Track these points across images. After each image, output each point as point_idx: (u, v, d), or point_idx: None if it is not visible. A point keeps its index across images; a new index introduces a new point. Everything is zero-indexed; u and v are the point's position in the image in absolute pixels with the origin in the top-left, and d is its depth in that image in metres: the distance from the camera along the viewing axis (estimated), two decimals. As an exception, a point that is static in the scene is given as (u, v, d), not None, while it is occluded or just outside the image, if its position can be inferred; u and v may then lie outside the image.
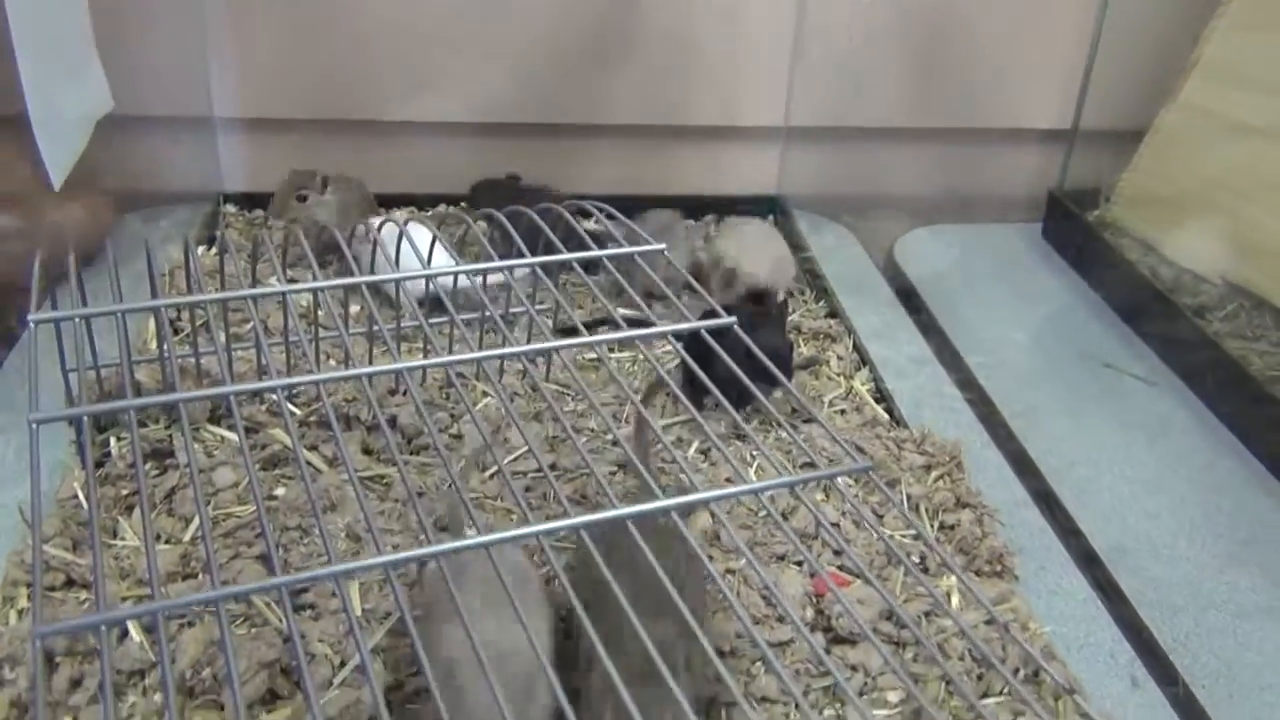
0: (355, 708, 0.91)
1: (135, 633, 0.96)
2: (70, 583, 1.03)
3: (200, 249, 1.71)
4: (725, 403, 0.91)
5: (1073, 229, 2.01)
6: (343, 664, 0.96)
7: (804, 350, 1.54)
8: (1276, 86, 1.74)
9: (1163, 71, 1.94)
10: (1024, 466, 1.40)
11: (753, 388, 0.92)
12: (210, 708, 0.91)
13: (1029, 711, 0.97)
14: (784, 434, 1.32)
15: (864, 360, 1.54)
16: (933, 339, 1.67)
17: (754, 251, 1.64)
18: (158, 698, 0.92)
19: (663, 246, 1.05)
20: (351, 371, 0.86)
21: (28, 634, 0.93)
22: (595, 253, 1.04)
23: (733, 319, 0.97)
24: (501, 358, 0.93)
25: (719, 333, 0.96)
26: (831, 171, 2.08)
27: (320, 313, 1.32)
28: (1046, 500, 1.34)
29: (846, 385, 1.46)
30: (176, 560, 1.05)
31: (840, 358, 1.53)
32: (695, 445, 1.29)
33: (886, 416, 1.41)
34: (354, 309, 1.52)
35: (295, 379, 0.85)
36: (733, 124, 1.99)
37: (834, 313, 1.67)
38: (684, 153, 2.01)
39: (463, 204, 1.88)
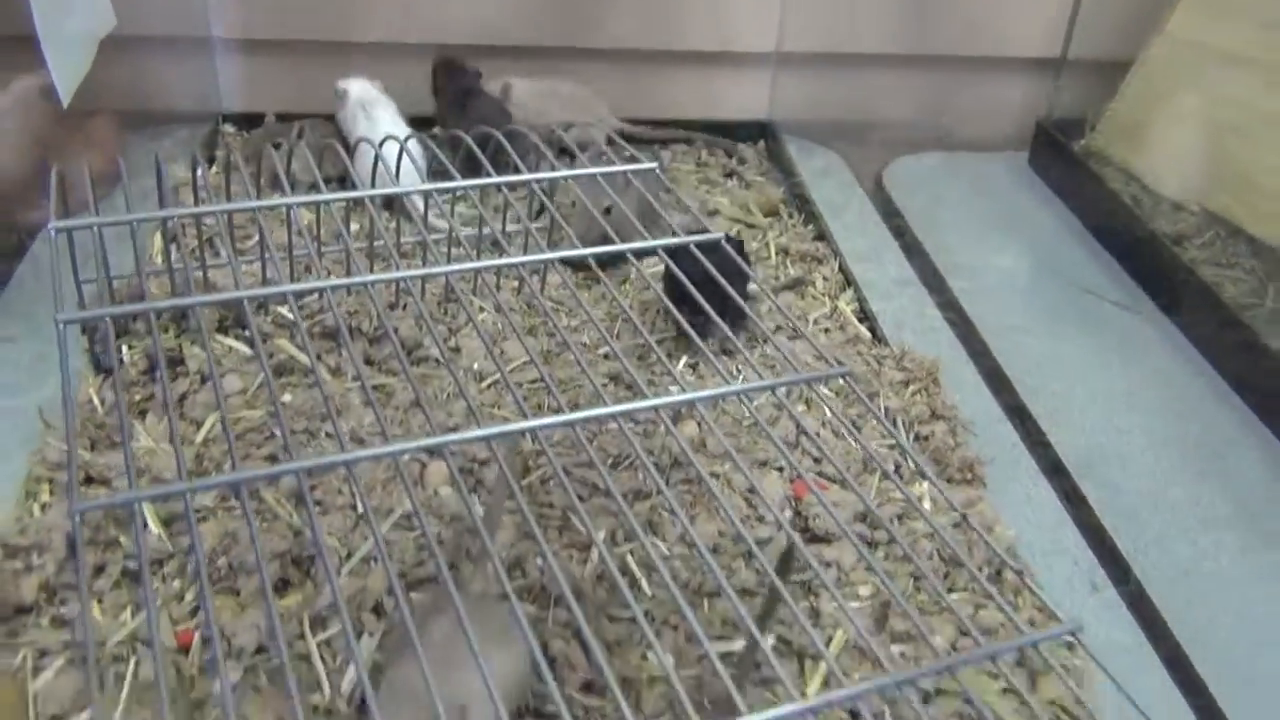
0: (362, 594, 0.97)
1: (154, 525, 1.02)
2: (89, 480, 1.09)
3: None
4: (716, 318, 0.95)
5: (1058, 157, 2.05)
6: (349, 555, 1.02)
7: (791, 271, 1.59)
8: (1261, 18, 1.77)
9: (1152, 1, 1.96)
10: (1000, 384, 1.46)
11: (743, 305, 0.97)
12: (226, 593, 0.98)
13: (990, 605, 1.03)
14: (769, 350, 1.37)
15: (849, 281, 1.58)
16: (917, 262, 1.72)
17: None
18: (176, 584, 0.98)
19: (654, 165, 1.09)
20: (357, 279, 0.91)
21: (53, 525, 0.99)
22: (590, 169, 1.08)
23: (720, 235, 1.01)
24: (500, 267, 0.98)
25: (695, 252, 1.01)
26: (823, 97, 2.11)
27: (322, 230, 1.37)
28: (1020, 415, 1.40)
29: (831, 305, 1.51)
30: (191, 460, 1.11)
31: (826, 279, 1.58)
32: (684, 360, 1.34)
33: (869, 335, 1.47)
34: (354, 226, 1.56)
35: (304, 285, 0.90)
36: (726, 49, 2.02)
37: (821, 235, 1.72)
38: (678, 77, 2.03)
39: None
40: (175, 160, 1.74)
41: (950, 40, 2.09)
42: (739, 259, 1.00)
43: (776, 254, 1.64)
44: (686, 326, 0.93)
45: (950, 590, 1.05)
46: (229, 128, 1.93)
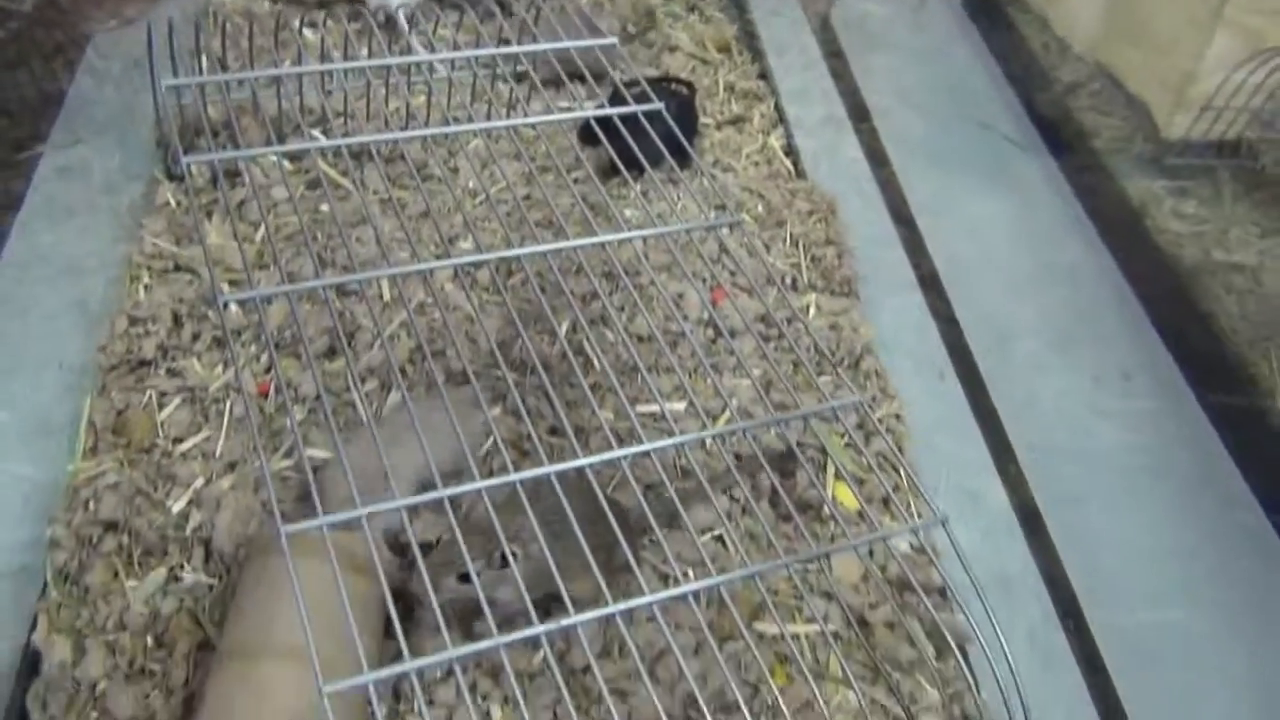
0: (387, 363, 1.33)
1: (234, 305, 1.37)
2: (178, 268, 1.43)
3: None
4: (649, 169, 1.28)
5: (986, 2, 2.32)
6: (379, 333, 1.37)
7: (734, 108, 1.89)
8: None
9: None
10: (898, 212, 1.79)
11: (672, 162, 1.29)
12: (290, 356, 1.34)
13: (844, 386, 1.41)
14: (705, 182, 1.70)
15: (781, 119, 1.89)
16: (848, 100, 2.01)
17: None
18: (252, 348, 1.34)
19: (614, 40, 1.39)
20: (390, 135, 1.23)
21: (160, 302, 1.35)
22: (563, 44, 1.37)
23: (660, 105, 1.32)
24: (490, 130, 1.29)
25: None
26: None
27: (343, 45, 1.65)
28: (907, 239, 1.74)
29: (763, 141, 1.83)
30: (253, 256, 1.45)
31: (763, 115, 1.89)
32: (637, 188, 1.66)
33: (791, 169, 1.79)
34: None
35: (353, 139, 1.22)
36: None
37: (764, 74, 2.00)
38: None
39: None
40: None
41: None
42: (675, 127, 1.31)
43: (724, 90, 1.93)
44: (628, 175, 1.26)
45: (820, 374, 1.43)
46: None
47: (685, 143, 1.29)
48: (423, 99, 1.69)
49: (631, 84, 1.38)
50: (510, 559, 0.91)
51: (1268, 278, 1.63)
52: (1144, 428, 1.56)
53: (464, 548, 0.87)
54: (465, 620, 1.13)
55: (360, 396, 1.05)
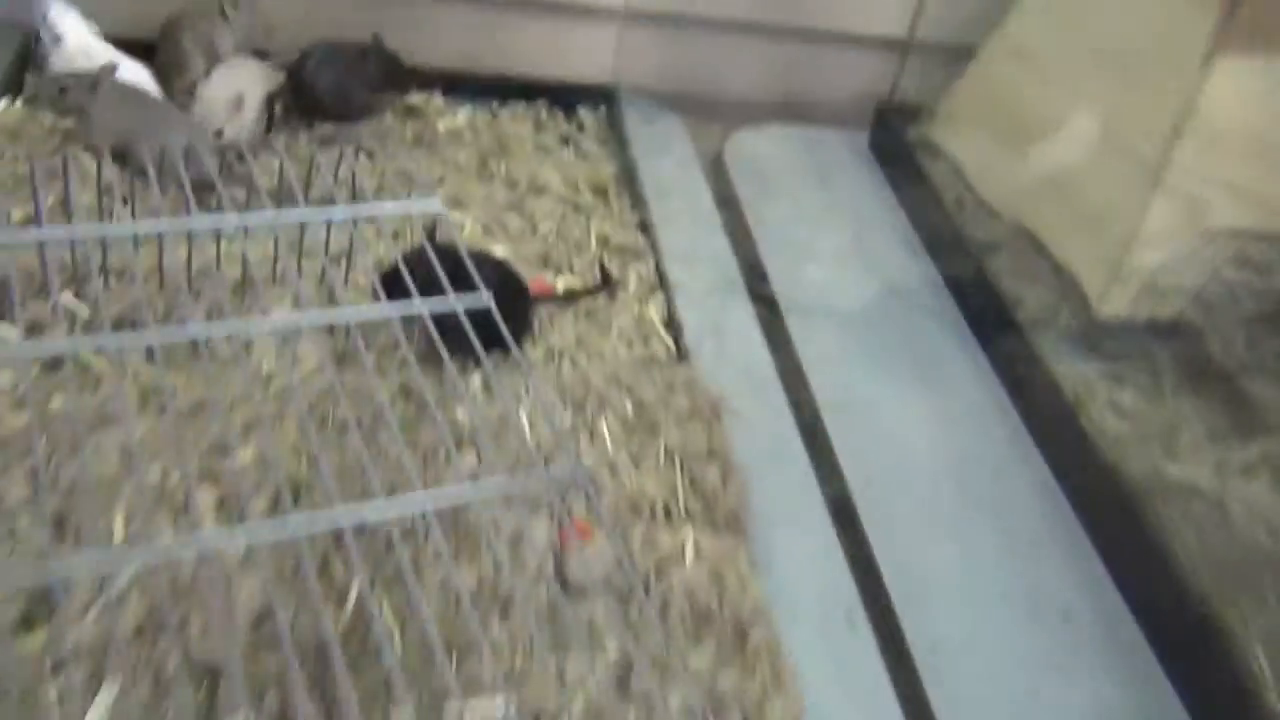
0: (102, 642, 0.97)
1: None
2: None
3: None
4: (485, 360, 0.96)
5: (894, 143, 2.08)
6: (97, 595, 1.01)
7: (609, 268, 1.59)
8: (1089, 41, 1.80)
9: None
10: (799, 404, 1.49)
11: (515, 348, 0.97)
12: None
13: (733, 663, 1.09)
14: (565, 366, 1.38)
15: (662, 283, 1.59)
16: (742, 255, 1.73)
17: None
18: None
19: (437, 201, 1.08)
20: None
21: None
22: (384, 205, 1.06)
23: (488, 305, 1.01)
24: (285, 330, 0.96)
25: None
26: (669, 62, 2.08)
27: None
28: (813, 451, 1.42)
29: (638, 310, 1.52)
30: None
31: (640, 278, 1.58)
32: (476, 380, 1.33)
33: (672, 347, 1.48)
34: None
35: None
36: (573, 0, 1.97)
37: (645, 224, 1.71)
38: (526, 29, 1.98)
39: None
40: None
41: (801, 11, 2.08)
42: (503, 327, 1.00)
43: (596, 244, 1.63)
44: (446, 366, 0.94)
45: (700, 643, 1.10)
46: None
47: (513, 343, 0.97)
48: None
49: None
50: None
51: (1235, 508, 1.36)
52: (1090, 683, 1.27)
53: None
54: None
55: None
